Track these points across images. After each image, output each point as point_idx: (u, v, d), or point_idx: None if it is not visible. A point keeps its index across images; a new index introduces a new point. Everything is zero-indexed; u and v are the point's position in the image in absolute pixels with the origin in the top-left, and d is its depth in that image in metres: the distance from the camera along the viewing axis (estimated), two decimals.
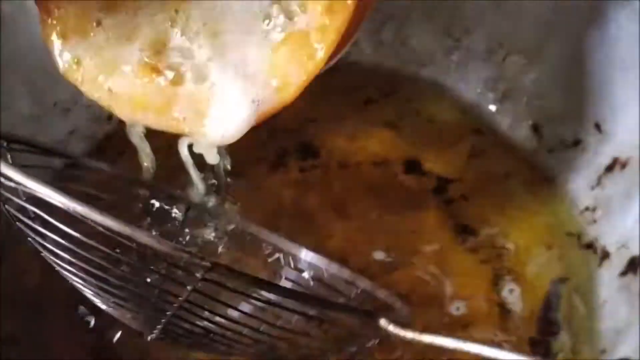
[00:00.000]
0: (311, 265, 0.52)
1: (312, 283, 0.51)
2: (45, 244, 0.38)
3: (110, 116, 0.64)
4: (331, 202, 0.61)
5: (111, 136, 0.65)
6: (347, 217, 0.60)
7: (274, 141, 0.65)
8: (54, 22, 0.43)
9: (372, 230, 0.60)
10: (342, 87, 0.66)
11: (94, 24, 0.43)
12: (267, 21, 0.41)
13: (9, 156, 0.44)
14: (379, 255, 0.58)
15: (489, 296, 0.56)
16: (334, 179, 0.63)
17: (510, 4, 0.63)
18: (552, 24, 0.61)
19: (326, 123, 0.66)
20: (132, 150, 0.63)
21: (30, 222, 0.37)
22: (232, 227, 0.54)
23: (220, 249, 0.54)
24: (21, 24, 0.59)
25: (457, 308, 0.55)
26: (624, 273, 0.54)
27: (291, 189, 0.62)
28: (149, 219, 0.54)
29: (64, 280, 0.42)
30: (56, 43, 0.43)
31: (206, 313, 0.37)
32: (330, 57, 0.39)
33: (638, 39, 0.55)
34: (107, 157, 0.63)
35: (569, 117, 0.61)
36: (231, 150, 0.62)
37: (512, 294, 0.56)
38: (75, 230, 0.35)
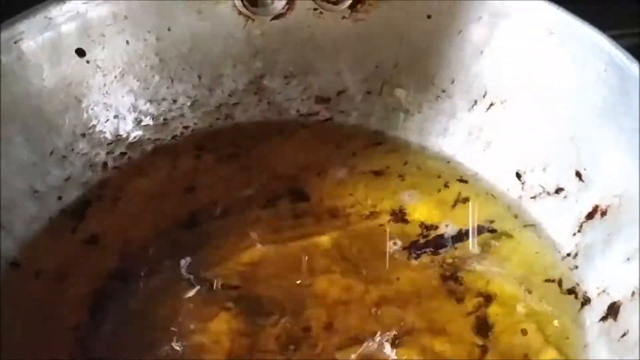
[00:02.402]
0: None
1: None
2: None
3: (105, 164, 0.66)
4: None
5: (106, 183, 0.66)
6: None
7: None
8: None
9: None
10: (333, 137, 0.68)
11: None
12: None
13: None
14: None
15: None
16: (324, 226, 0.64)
17: (491, 55, 0.65)
18: (532, 72, 0.63)
19: (316, 171, 0.67)
20: (127, 197, 0.65)
21: None
22: None
23: None
24: (18, 74, 0.61)
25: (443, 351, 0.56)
26: (604, 318, 0.55)
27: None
28: None
29: None
30: None
31: None
32: None
33: (618, 86, 0.57)
34: (102, 204, 0.65)
35: (551, 165, 0.63)
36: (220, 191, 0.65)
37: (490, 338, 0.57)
38: None
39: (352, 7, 0.66)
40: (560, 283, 0.59)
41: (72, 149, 0.64)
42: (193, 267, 0.61)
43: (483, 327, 0.58)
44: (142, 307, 0.59)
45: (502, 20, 0.63)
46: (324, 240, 0.63)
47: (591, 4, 0.62)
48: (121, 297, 0.60)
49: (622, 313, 0.54)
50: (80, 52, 0.63)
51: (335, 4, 0.66)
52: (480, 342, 0.57)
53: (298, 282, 0.60)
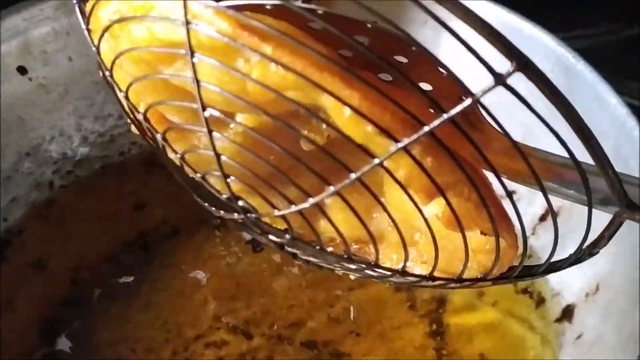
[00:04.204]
0: None
1: None
2: None
3: (51, 183, 0.65)
4: None
5: (53, 203, 0.65)
6: None
7: None
8: None
9: None
10: None
11: None
12: None
13: None
14: None
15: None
16: None
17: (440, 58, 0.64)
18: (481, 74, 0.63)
19: None
20: (75, 218, 0.64)
21: None
22: None
23: None
24: None
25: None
26: (559, 320, 0.55)
27: None
28: None
29: None
30: None
31: None
32: None
33: (564, 85, 0.57)
34: (49, 224, 0.64)
35: None
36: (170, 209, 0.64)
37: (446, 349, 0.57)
38: None
39: None
40: (514, 283, 0.59)
41: (17, 169, 0.63)
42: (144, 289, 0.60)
43: (437, 332, 0.57)
44: (95, 332, 0.58)
45: (448, 23, 0.63)
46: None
47: (542, 8, 0.62)
48: (73, 324, 0.58)
49: (577, 315, 0.54)
50: (22, 70, 0.62)
51: None
52: (434, 345, 0.56)
53: None
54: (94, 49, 0.32)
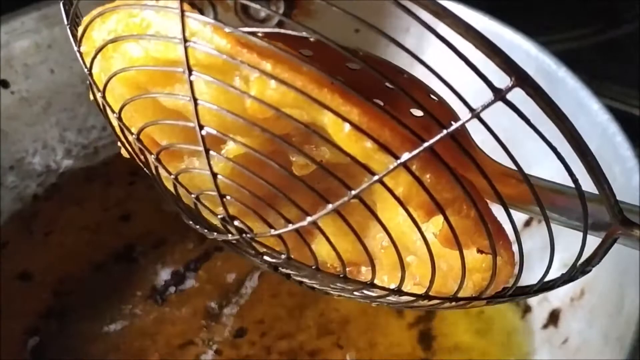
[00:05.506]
0: None
1: None
2: None
3: (35, 195, 0.64)
4: None
5: (37, 215, 0.65)
6: None
7: None
8: None
9: None
10: None
11: None
12: None
13: None
14: None
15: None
16: None
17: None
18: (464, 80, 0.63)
19: None
20: (60, 229, 0.64)
21: None
22: None
23: None
24: None
25: None
26: (545, 325, 0.55)
27: None
28: None
29: None
30: None
31: None
32: None
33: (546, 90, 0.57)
34: (33, 236, 0.63)
35: None
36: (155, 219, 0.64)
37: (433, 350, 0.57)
38: None
39: (279, 24, 0.66)
40: (502, 289, 0.59)
41: (1, 183, 0.63)
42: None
43: (425, 340, 0.57)
44: (80, 343, 0.58)
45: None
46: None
47: (522, 13, 0.63)
48: (58, 335, 0.58)
49: (562, 320, 0.54)
50: (4, 84, 0.62)
51: (262, 22, 0.65)
52: (422, 354, 0.56)
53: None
54: (86, 71, 0.32)
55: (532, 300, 0.57)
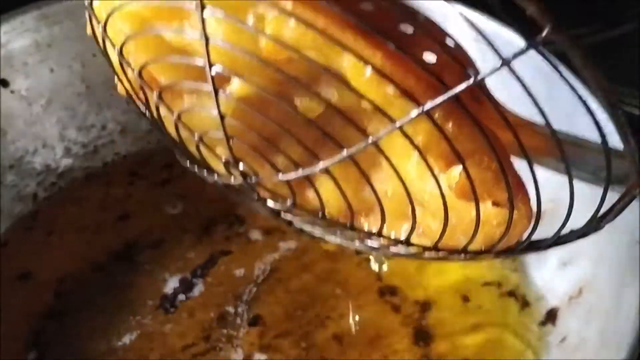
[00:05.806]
0: None
1: None
2: None
3: (35, 195, 0.64)
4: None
5: (37, 215, 0.65)
6: None
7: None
8: None
9: None
10: None
11: None
12: None
13: None
14: None
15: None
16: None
17: None
18: None
19: None
20: (60, 229, 0.64)
21: None
22: None
23: None
24: None
25: None
26: (543, 323, 0.55)
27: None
28: None
29: None
30: None
31: None
32: None
33: (544, 93, 0.57)
34: (33, 236, 0.63)
35: None
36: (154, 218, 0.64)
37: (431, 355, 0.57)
38: None
39: None
40: (499, 285, 0.59)
41: (0, 182, 0.63)
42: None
43: (422, 336, 0.57)
44: (81, 344, 0.58)
45: None
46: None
47: (517, 11, 0.63)
48: (58, 335, 0.58)
49: (561, 318, 0.54)
50: (4, 83, 0.62)
51: None
52: (418, 350, 0.56)
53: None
54: (86, 2, 0.30)
55: (530, 298, 0.57)
